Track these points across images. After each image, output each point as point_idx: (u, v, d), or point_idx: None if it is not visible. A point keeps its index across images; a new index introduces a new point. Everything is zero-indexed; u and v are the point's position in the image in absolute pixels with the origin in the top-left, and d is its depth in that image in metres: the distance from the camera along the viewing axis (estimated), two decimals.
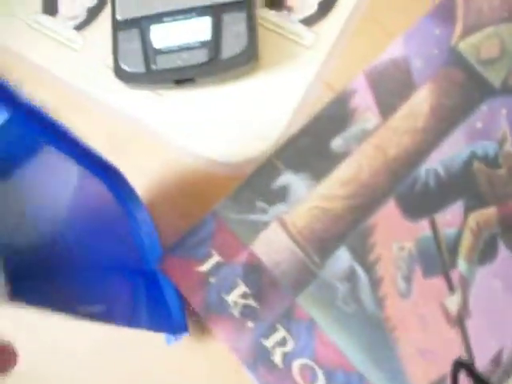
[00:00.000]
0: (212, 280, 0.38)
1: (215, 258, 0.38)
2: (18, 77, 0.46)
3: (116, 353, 0.40)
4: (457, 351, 0.35)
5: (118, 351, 0.40)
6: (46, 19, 0.47)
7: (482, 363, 0.35)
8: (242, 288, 0.37)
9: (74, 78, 0.46)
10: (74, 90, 0.45)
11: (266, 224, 0.38)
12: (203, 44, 0.42)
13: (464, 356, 0.35)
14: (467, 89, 0.38)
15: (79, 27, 0.47)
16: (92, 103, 0.44)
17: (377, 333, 0.36)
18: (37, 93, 0.45)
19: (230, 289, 0.37)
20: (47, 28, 0.47)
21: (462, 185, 0.37)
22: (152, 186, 0.42)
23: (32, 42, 0.47)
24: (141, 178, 0.42)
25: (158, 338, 0.38)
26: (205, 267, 0.38)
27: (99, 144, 0.34)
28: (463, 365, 0.35)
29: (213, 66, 0.42)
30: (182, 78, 0.42)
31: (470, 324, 0.35)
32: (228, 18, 0.42)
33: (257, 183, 0.39)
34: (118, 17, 0.44)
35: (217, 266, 0.38)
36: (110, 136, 0.44)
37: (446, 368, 0.35)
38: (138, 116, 0.44)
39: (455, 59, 0.38)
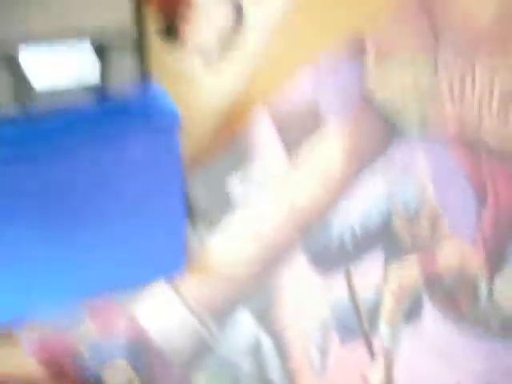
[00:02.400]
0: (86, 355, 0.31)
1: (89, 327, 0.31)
2: None
3: None
4: None
5: None
6: None
7: None
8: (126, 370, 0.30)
9: None
10: None
11: None
12: (87, 82, 0.38)
13: None
14: (381, 129, 0.34)
15: None
16: None
17: None
18: None
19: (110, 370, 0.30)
20: None
21: (378, 237, 0.32)
22: None
23: None
24: None
25: None
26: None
27: None
28: None
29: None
30: None
31: None
32: (115, 53, 0.38)
33: None
34: None
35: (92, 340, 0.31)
36: None
37: None
38: None
39: (366, 96, 0.35)
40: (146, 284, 0.32)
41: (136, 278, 0.32)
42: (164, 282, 0.32)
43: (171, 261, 0.32)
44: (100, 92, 0.38)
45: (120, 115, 0.37)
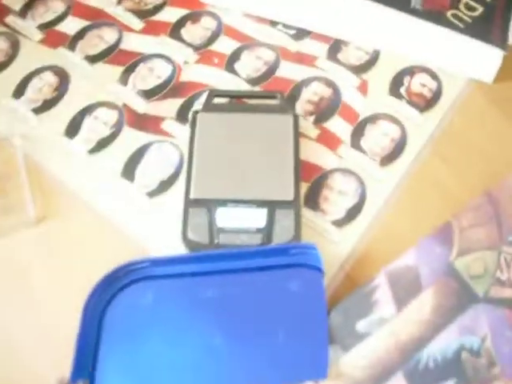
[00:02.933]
0: None
1: None
2: None
3: None
4: None
5: None
6: (124, 183, 0.58)
7: None
8: None
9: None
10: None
11: None
12: (258, 230, 0.54)
13: None
14: (459, 295, 0.51)
15: (151, 194, 0.58)
16: None
17: None
18: None
19: None
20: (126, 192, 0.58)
21: (453, 368, 0.48)
22: None
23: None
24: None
25: None
26: None
27: None
28: None
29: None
30: None
31: None
32: (280, 213, 0.54)
33: None
34: (191, 196, 0.55)
35: None
36: None
37: None
38: None
39: (452, 272, 0.52)
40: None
41: (287, 379, 0.47)
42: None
43: (316, 368, 0.47)
44: (267, 236, 0.54)
45: (280, 256, 0.53)
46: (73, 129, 0.61)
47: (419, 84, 0.65)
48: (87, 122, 0.61)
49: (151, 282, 0.53)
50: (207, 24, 0.68)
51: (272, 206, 0.54)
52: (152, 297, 0.52)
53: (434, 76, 0.65)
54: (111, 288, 0.52)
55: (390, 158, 0.60)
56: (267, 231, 0.53)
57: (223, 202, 0.54)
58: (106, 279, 0.51)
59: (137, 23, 0.68)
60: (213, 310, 0.51)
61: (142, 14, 0.68)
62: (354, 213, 0.57)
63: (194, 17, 0.68)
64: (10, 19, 0.68)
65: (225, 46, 0.66)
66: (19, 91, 0.63)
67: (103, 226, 0.56)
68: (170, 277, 0.53)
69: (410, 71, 0.65)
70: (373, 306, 0.50)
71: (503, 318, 0.50)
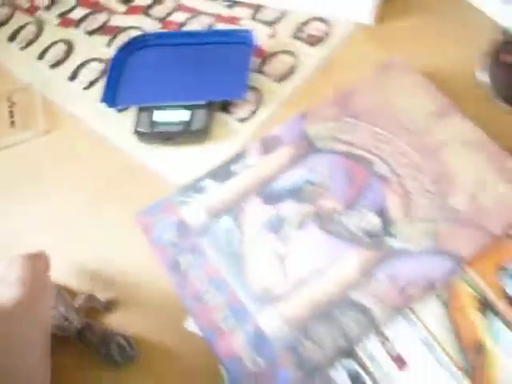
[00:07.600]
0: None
1: None
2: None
3: None
4: None
5: None
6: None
7: None
8: None
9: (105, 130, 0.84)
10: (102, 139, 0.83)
11: None
12: (182, 122, 0.80)
13: None
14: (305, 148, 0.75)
15: (120, 110, 0.86)
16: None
17: None
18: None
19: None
20: (105, 112, 0.86)
21: (294, 192, 0.72)
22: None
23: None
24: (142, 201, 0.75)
25: None
26: None
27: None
28: None
29: (187, 133, 0.80)
30: (169, 137, 0.80)
31: None
32: (197, 111, 0.81)
33: None
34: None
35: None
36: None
37: None
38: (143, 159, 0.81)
39: (304, 136, 0.76)
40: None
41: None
42: None
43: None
44: (187, 125, 0.80)
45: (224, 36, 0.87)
46: (73, 76, 0.90)
47: None
48: (83, 71, 0.91)
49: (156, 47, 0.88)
50: (169, 3, 0.97)
51: (193, 107, 0.81)
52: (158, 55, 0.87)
53: None
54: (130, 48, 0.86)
55: None
56: (189, 122, 0.79)
57: (158, 107, 0.82)
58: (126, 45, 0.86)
59: (121, 7, 0.97)
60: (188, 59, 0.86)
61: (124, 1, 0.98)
62: (287, 75, 0.83)
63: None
64: (38, 13, 1.00)
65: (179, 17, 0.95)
66: (43, 55, 0.94)
67: (91, 134, 0.84)
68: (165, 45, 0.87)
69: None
70: (243, 157, 0.75)
71: (336, 160, 0.73)
